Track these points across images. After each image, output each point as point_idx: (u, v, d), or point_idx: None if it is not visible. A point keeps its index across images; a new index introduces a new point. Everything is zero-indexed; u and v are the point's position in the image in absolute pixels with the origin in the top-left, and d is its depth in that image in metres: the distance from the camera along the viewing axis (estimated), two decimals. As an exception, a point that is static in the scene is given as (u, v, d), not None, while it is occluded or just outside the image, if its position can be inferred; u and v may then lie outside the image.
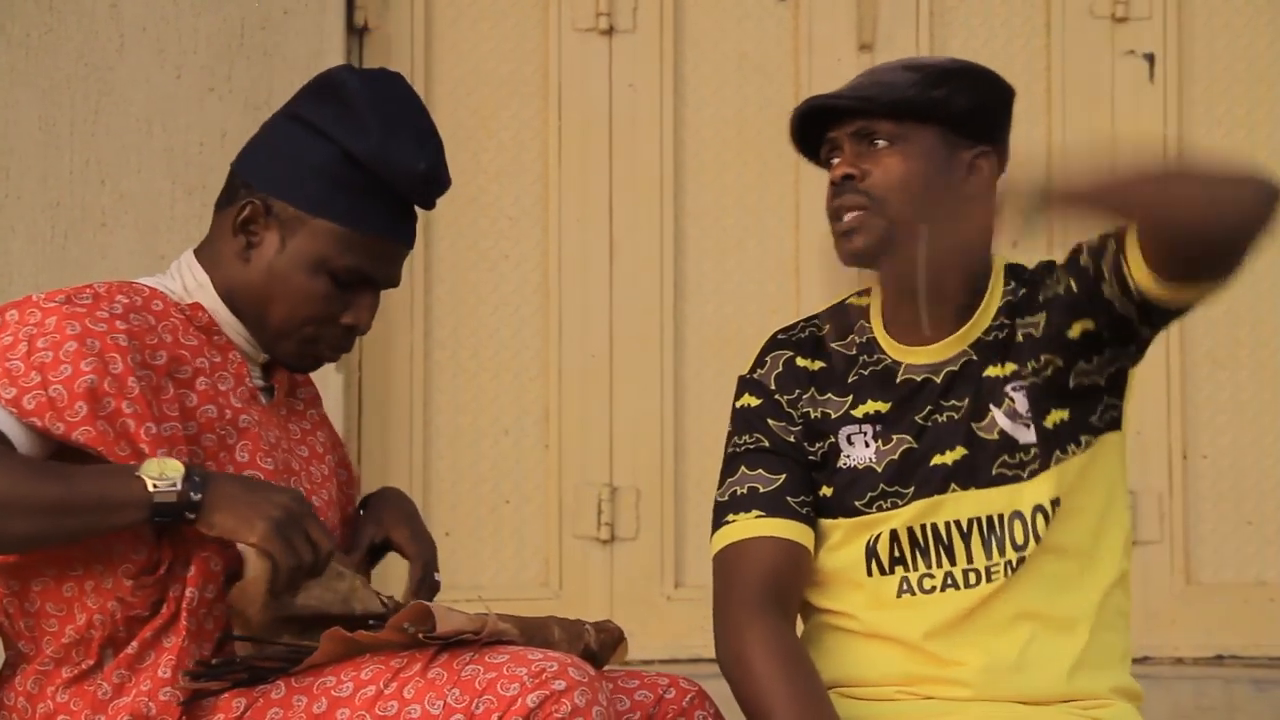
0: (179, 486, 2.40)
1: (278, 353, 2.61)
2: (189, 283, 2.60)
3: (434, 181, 2.60)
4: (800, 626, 2.76)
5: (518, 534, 4.38)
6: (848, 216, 2.64)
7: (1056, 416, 2.66)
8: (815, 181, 4.42)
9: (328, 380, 4.19)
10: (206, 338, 2.57)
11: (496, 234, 4.39)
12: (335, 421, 4.15)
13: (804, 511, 2.69)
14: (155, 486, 2.39)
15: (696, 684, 2.62)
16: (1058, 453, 2.66)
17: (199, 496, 2.41)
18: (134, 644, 2.46)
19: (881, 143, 2.65)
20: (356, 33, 4.32)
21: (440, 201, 4.63)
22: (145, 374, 2.48)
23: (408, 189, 2.58)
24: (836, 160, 2.69)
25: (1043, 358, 2.66)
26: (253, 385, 2.61)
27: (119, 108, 4.14)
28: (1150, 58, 4.46)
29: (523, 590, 4.29)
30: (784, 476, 2.70)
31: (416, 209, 2.63)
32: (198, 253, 2.63)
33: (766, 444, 2.72)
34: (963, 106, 2.65)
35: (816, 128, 2.72)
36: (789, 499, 2.69)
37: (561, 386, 4.37)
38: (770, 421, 2.73)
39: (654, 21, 4.39)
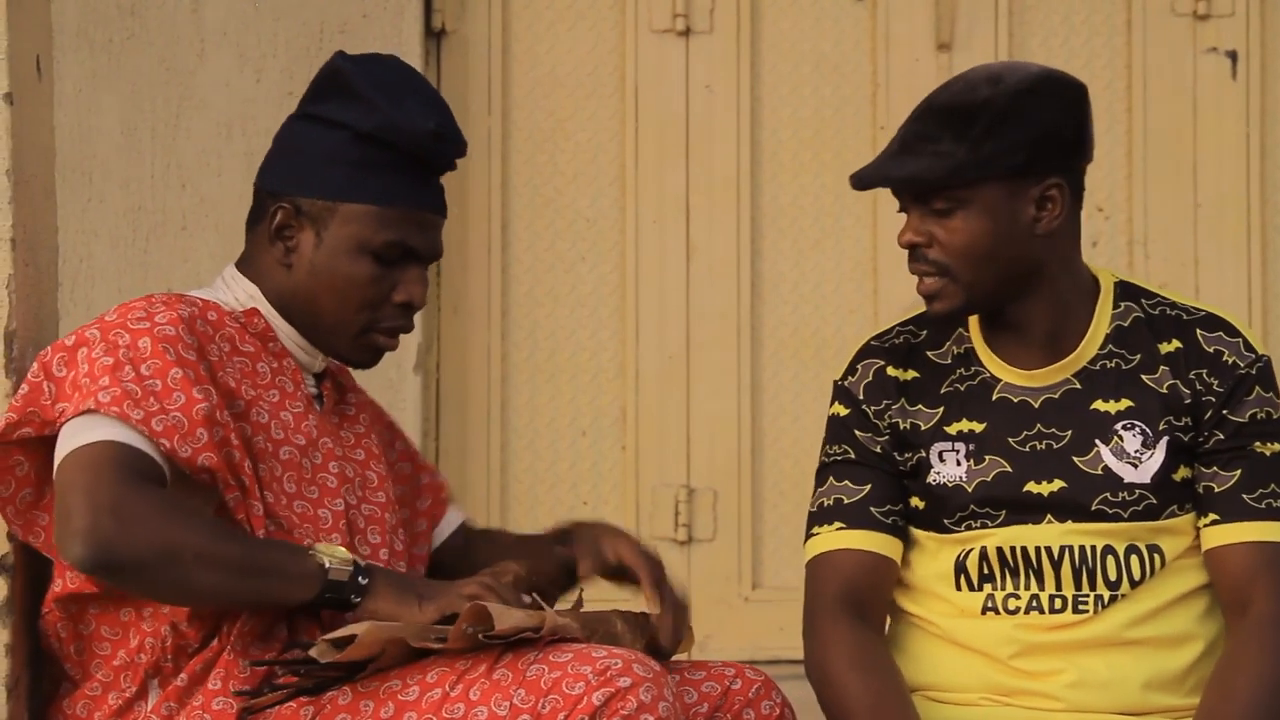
0: (350, 569, 2.43)
1: (338, 349, 2.62)
2: (239, 295, 2.61)
3: (447, 140, 2.60)
4: (888, 625, 2.77)
5: (595, 535, 4.37)
6: (924, 282, 2.63)
7: (1184, 473, 2.64)
8: (893, 182, 4.41)
9: (406, 382, 4.21)
10: (262, 344, 2.59)
11: (573, 236, 4.39)
12: (413, 423, 4.18)
13: (889, 521, 2.70)
14: (331, 564, 2.43)
15: (762, 673, 2.62)
16: (1174, 507, 2.64)
17: (365, 581, 2.44)
18: (182, 676, 2.47)
19: (941, 206, 2.60)
20: (434, 36, 4.34)
21: (517, 203, 4.63)
22: (229, 401, 2.51)
23: (422, 152, 2.58)
24: (904, 216, 2.65)
25: (1183, 420, 2.64)
26: (309, 392, 2.62)
27: (199, 112, 4.17)
28: (1233, 55, 4.42)
29: (600, 591, 4.28)
30: (869, 487, 2.70)
31: (443, 180, 2.63)
32: (240, 267, 2.65)
33: (853, 455, 2.72)
34: (1021, 154, 2.57)
35: None
36: (873, 509, 2.69)
37: (639, 388, 4.37)
38: (857, 432, 2.72)
39: (731, 22, 4.38)
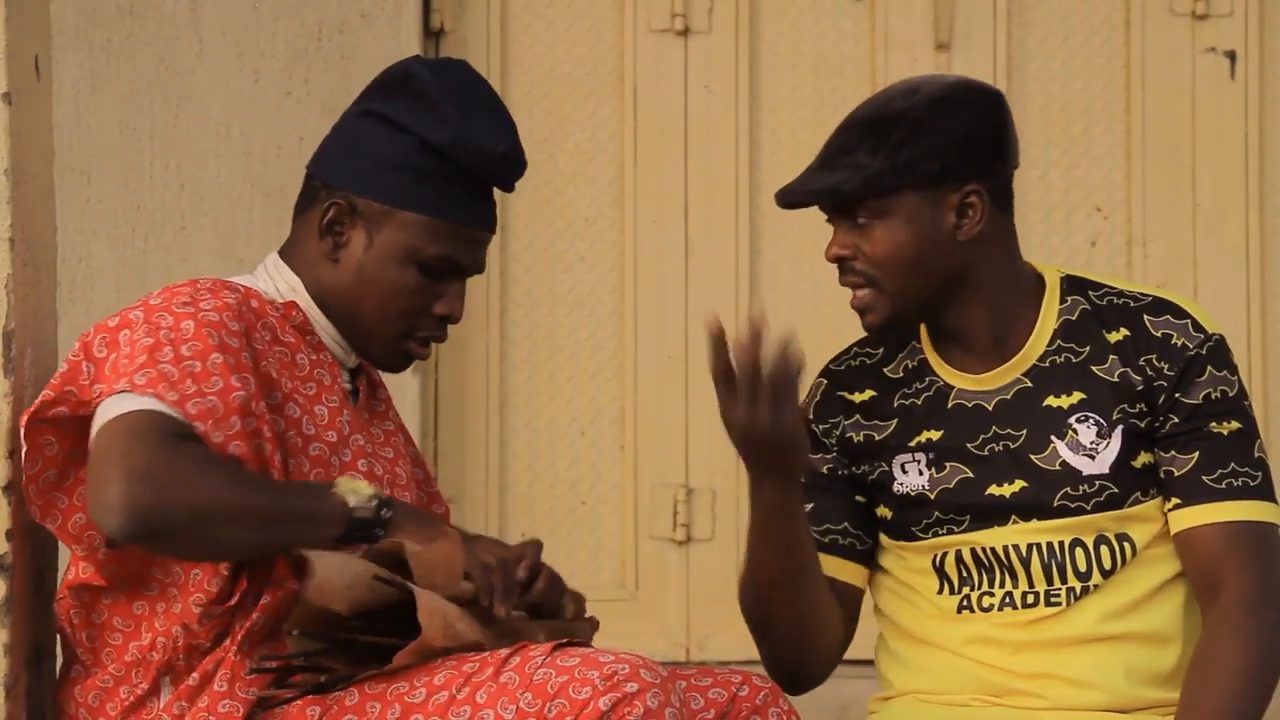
0: (374, 505, 2.45)
1: (371, 351, 2.62)
2: (281, 285, 2.60)
3: (513, 163, 2.60)
4: (879, 633, 2.79)
5: (594, 535, 4.38)
6: (855, 296, 2.66)
7: (1145, 459, 2.64)
8: (892, 182, 4.41)
9: (404, 382, 4.21)
10: (301, 336, 2.59)
11: (572, 236, 4.39)
12: (412, 423, 4.18)
13: (827, 540, 2.73)
14: (355, 502, 2.44)
15: (770, 681, 2.62)
16: (1138, 494, 2.64)
17: (389, 514, 2.46)
18: (195, 675, 2.47)
19: (863, 219, 2.63)
20: (433, 35, 4.34)
21: (516, 203, 4.63)
22: (267, 392, 2.51)
23: (489, 172, 2.59)
24: (833, 230, 2.68)
25: (1137, 406, 2.64)
26: (344, 387, 2.62)
27: (198, 112, 4.17)
28: (1231, 55, 4.42)
29: (599, 591, 4.29)
30: (809, 506, 2.73)
31: (495, 192, 2.64)
32: (283, 255, 2.64)
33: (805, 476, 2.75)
34: (936, 161, 2.60)
35: None
36: (810, 527, 2.72)
37: (637, 388, 4.37)
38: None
39: (729, 22, 4.39)
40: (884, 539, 2.73)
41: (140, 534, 2.36)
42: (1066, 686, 2.62)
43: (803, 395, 2.79)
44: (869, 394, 2.74)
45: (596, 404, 4.39)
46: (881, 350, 2.76)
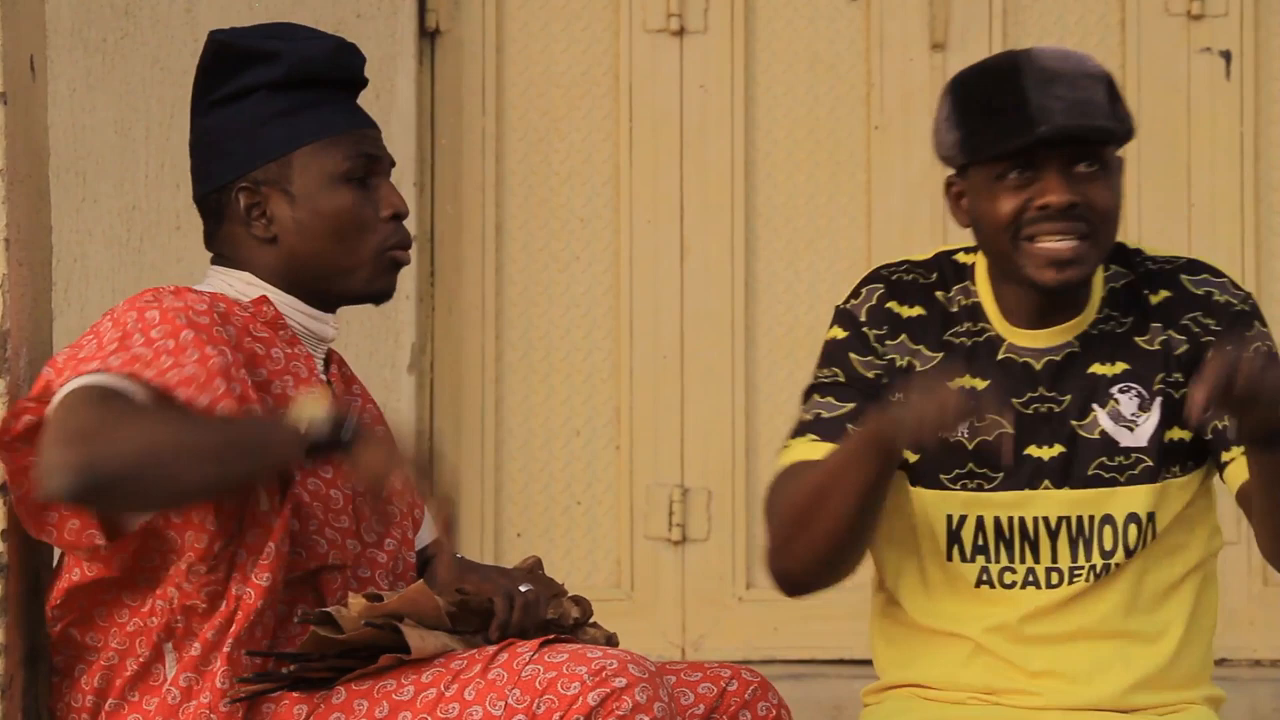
0: (329, 425, 2.42)
1: (358, 285, 2.61)
2: (236, 284, 2.60)
3: (347, 49, 2.63)
4: (873, 606, 2.74)
5: (589, 535, 4.39)
6: (1069, 245, 2.56)
7: (1178, 434, 2.63)
8: (886, 181, 4.41)
9: (400, 382, 4.22)
10: (274, 331, 2.59)
11: (568, 235, 4.40)
12: (408, 423, 4.18)
13: None
14: (308, 428, 2.41)
15: (759, 674, 2.61)
16: (1173, 469, 2.62)
17: (349, 435, 2.43)
18: (197, 644, 2.47)
19: (1093, 167, 2.57)
20: (428, 36, 4.35)
21: (512, 203, 4.64)
22: (251, 370, 2.51)
23: (332, 66, 2.60)
24: (1026, 176, 2.57)
25: (1176, 374, 2.62)
26: (321, 378, 2.62)
27: (193, 112, 4.18)
28: (1227, 55, 4.42)
29: (594, 592, 4.25)
30: (851, 406, 2.62)
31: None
32: (219, 266, 2.64)
33: (842, 378, 2.65)
34: (1131, 123, 2.61)
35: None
36: (850, 426, 2.60)
37: (633, 387, 4.37)
38: (852, 355, 2.65)
39: (725, 22, 4.39)
40: (906, 484, 2.64)
41: (86, 488, 2.32)
42: (1068, 684, 2.61)
43: (851, 298, 2.69)
44: (918, 310, 2.66)
45: (592, 404, 4.39)
46: (935, 276, 2.68)
